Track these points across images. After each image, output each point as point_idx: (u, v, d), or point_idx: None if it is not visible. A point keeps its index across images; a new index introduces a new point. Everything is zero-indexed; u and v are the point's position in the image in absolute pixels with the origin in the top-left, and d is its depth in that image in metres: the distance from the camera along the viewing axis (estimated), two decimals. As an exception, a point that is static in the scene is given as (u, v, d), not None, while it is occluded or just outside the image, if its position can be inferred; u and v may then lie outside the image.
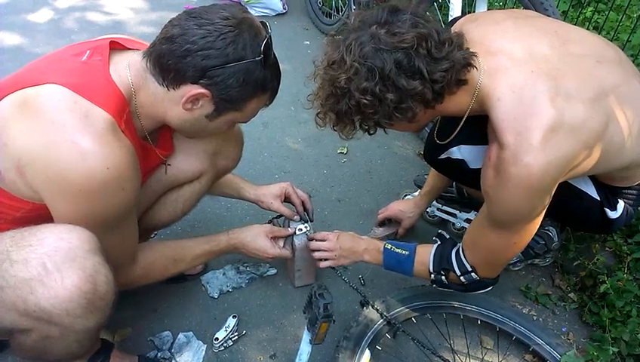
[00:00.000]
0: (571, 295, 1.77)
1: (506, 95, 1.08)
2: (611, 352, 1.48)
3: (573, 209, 1.35)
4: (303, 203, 1.67)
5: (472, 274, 1.35)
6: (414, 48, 1.04)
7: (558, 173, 1.10)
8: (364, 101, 1.07)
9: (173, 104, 1.08)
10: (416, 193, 1.96)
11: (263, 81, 1.10)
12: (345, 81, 1.06)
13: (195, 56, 1.01)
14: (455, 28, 1.29)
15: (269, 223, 1.63)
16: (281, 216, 1.68)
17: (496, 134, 1.09)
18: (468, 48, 1.12)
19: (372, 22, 1.08)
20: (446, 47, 1.07)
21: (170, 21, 1.06)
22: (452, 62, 1.07)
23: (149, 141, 1.20)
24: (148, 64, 1.06)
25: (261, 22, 1.12)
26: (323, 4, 3.39)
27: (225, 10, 1.04)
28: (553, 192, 1.15)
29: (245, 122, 1.22)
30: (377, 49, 1.04)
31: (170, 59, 1.02)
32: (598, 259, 1.68)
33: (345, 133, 1.20)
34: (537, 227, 1.23)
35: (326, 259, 1.55)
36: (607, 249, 1.74)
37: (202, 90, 1.05)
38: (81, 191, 0.98)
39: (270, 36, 1.09)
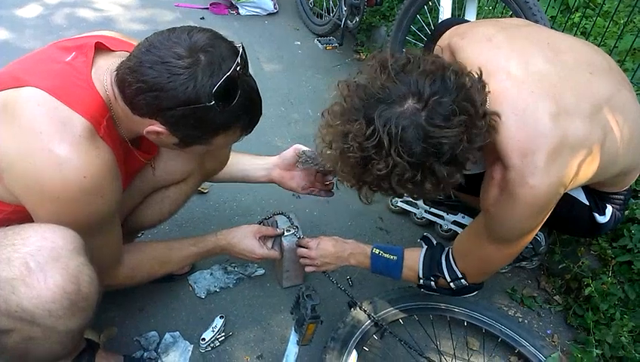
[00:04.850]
0: (556, 297, 1.79)
1: (509, 118, 1.06)
2: (595, 354, 1.50)
3: (563, 214, 1.37)
4: None
5: (462, 280, 1.37)
6: (458, 142, 0.96)
7: (562, 190, 1.12)
8: (402, 190, 1.02)
9: (142, 126, 1.03)
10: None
11: (224, 122, 1.03)
12: (385, 169, 0.98)
13: (147, 96, 0.96)
14: (442, 42, 1.28)
15: (259, 224, 1.62)
16: (271, 217, 1.67)
17: (500, 155, 1.09)
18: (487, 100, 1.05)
19: (409, 90, 0.96)
20: (482, 124, 0.99)
21: (137, 45, 0.99)
22: (485, 136, 1.01)
23: (132, 144, 1.17)
24: (115, 80, 1.01)
25: (233, 46, 1.01)
26: (314, 5, 3.39)
27: (181, 45, 0.95)
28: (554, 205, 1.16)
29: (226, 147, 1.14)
30: (419, 138, 0.94)
31: (127, 90, 0.98)
32: (583, 263, 1.70)
33: (362, 196, 1.10)
34: (533, 236, 1.25)
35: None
36: (592, 252, 1.75)
37: (159, 128, 1.01)
38: (58, 199, 0.98)
39: (238, 67, 0.98)
